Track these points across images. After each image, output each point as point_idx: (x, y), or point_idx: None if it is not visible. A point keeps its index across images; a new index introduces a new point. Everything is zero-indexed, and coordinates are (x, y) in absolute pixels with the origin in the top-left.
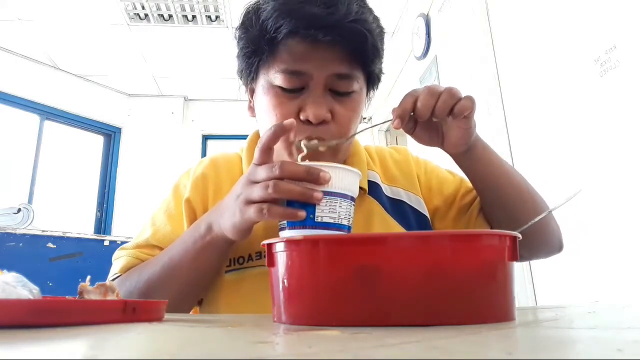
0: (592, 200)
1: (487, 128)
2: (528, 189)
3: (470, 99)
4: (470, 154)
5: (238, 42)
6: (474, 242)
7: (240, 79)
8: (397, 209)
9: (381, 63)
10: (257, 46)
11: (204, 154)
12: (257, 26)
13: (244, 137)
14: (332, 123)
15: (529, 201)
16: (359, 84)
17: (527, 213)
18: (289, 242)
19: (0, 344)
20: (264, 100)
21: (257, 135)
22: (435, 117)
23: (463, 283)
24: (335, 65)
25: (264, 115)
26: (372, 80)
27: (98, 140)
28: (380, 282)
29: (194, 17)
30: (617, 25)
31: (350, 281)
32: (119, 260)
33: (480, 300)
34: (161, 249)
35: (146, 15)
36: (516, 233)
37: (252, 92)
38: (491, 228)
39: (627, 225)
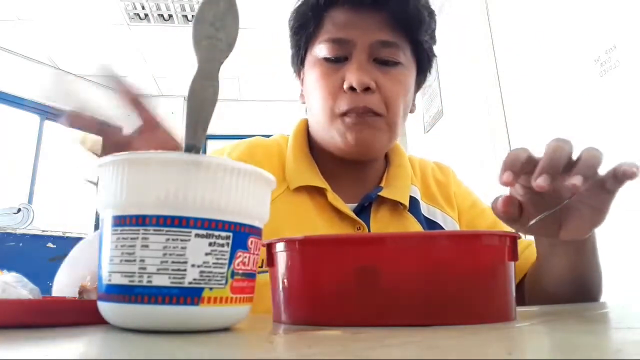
0: None
1: (487, 128)
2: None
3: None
4: (578, 244)
5: (290, 23)
6: (474, 242)
7: (293, 67)
8: (431, 230)
9: (432, 40)
10: (304, 19)
11: (204, 154)
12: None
13: (244, 137)
14: (377, 93)
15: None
16: (405, 56)
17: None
18: (289, 242)
19: (0, 344)
20: (310, 76)
21: (304, 123)
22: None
23: (463, 283)
24: (379, 32)
25: (311, 91)
26: (421, 57)
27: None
28: (381, 282)
29: (194, 17)
30: (617, 26)
31: (351, 281)
32: None
33: (480, 300)
34: None
35: (146, 15)
36: (516, 233)
37: (302, 79)
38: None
39: (627, 225)
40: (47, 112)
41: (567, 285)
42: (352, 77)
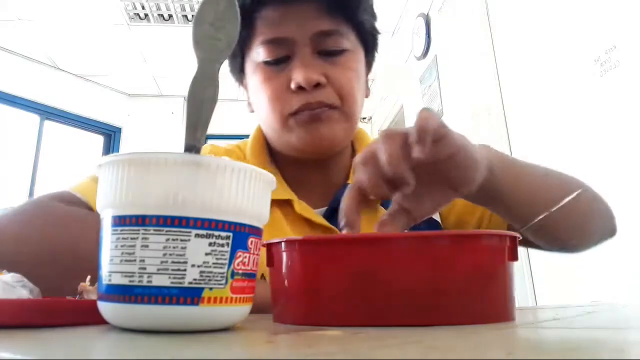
0: None
1: (487, 128)
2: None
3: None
4: (485, 190)
5: None
6: (474, 242)
7: (234, 77)
8: None
9: (372, 17)
10: None
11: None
12: None
13: (244, 136)
14: (328, 87)
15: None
16: (350, 41)
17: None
18: (289, 242)
19: (0, 344)
20: (253, 82)
21: (259, 128)
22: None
23: (463, 283)
24: (317, 22)
25: (256, 97)
26: (366, 38)
27: (98, 140)
28: (381, 282)
29: (194, 17)
30: (617, 25)
31: (351, 281)
32: None
33: (480, 300)
34: None
35: (146, 15)
36: (516, 233)
37: (246, 87)
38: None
39: (627, 225)
40: (47, 112)
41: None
42: (298, 75)
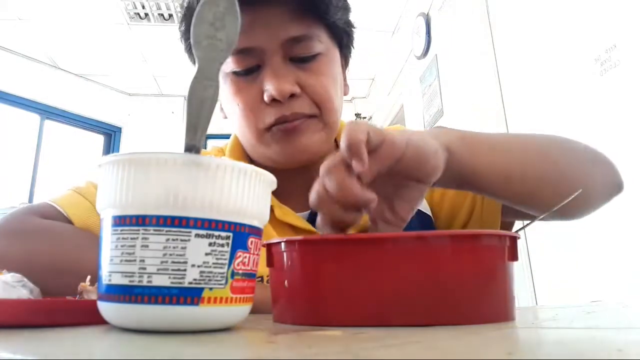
0: None
1: (487, 127)
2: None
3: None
4: (450, 174)
5: (183, 40)
6: (474, 242)
7: None
8: None
9: (345, 12)
10: None
11: None
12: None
13: None
14: (303, 95)
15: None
16: (323, 44)
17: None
18: (289, 242)
19: (0, 344)
20: (224, 91)
21: (236, 137)
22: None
23: (463, 283)
24: (286, 28)
25: (229, 108)
26: (339, 35)
27: (98, 140)
28: (381, 282)
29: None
30: (618, 25)
31: (351, 281)
32: None
33: (480, 300)
34: None
35: (146, 14)
36: (516, 233)
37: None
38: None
39: (627, 225)
40: (47, 112)
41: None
42: (270, 87)
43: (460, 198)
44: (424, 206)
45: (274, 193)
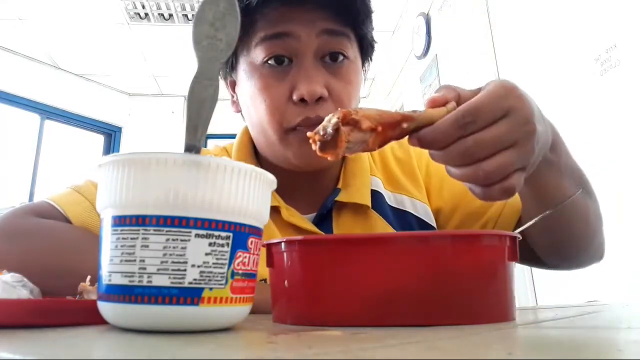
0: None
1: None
2: (591, 221)
3: (503, 194)
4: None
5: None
6: (474, 242)
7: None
8: (402, 220)
9: (372, 28)
10: None
11: None
12: None
13: None
14: (329, 100)
15: (587, 236)
16: (352, 49)
17: (580, 246)
18: (289, 242)
19: (0, 344)
20: (248, 86)
21: (246, 132)
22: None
23: (463, 283)
24: (325, 20)
25: (251, 103)
26: (365, 48)
27: (98, 140)
28: (381, 283)
29: (194, 17)
30: (618, 24)
31: (351, 281)
32: None
33: (480, 300)
34: None
35: (146, 14)
36: (516, 233)
37: (232, 85)
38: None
39: (627, 225)
40: (47, 112)
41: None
42: (302, 87)
43: (474, 216)
44: (429, 216)
45: (281, 194)
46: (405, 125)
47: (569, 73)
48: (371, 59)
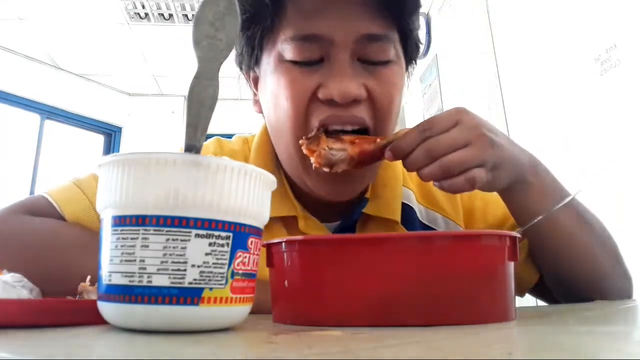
0: (591, 199)
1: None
2: (596, 250)
3: (466, 182)
4: (511, 195)
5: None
6: (474, 242)
7: (240, 67)
8: None
9: (419, 25)
10: (256, 10)
11: None
12: None
13: None
14: (367, 102)
15: (593, 263)
16: (395, 50)
17: (586, 276)
18: (289, 242)
19: (0, 344)
20: (272, 81)
21: (265, 132)
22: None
23: (463, 283)
24: (365, 22)
25: (273, 100)
26: (411, 47)
27: (98, 140)
28: (381, 282)
29: (194, 17)
30: (618, 24)
31: (351, 281)
32: None
33: (480, 300)
34: None
35: (146, 14)
36: (515, 233)
37: (255, 81)
38: (541, 273)
39: (627, 225)
40: (47, 112)
41: (537, 249)
42: (332, 86)
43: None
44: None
45: (303, 201)
46: (378, 140)
47: (569, 73)
48: (415, 62)
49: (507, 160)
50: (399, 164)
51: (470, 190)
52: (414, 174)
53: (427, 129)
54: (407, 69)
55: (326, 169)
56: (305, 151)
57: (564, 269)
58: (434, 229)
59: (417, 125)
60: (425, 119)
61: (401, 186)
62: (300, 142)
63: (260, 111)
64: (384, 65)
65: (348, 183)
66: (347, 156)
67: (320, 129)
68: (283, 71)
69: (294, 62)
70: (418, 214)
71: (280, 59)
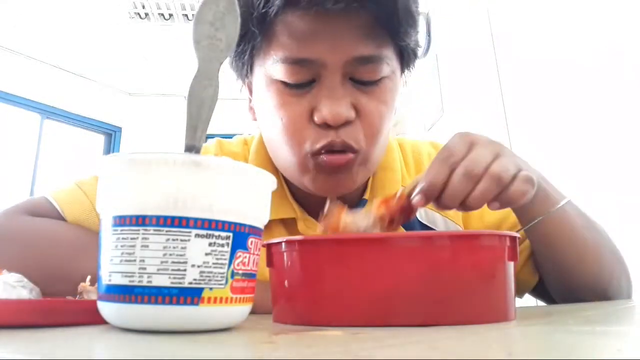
0: (591, 199)
1: (487, 128)
2: (595, 256)
3: (526, 183)
4: (525, 211)
5: None
6: (474, 242)
7: (235, 73)
8: None
9: (417, 33)
10: (246, 28)
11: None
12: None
13: None
14: (357, 122)
15: (593, 266)
16: (389, 67)
17: (587, 279)
18: (289, 242)
19: (0, 344)
20: (264, 99)
21: (261, 141)
22: (466, 209)
23: (463, 283)
24: (356, 45)
25: (267, 118)
26: (407, 58)
27: (99, 140)
28: (381, 283)
29: (194, 17)
30: (618, 25)
31: (351, 281)
32: None
33: (480, 300)
34: None
35: (147, 14)
36: (515, 233)
37: (250, 87)
38: (543, 279)
39: (627, 225)
40: (47, 112)
41: (541, 258)
42: (325, 109)
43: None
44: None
45: (301, 203)
46: (398, 193)
47: (569, 73)
48: (414, 66)
49: (526, 165)
50: (396, 164)
51: (531, 192)
52: (414, 168)
53: (449, 156)
54: (402, 74)
55: None
56: (323, 231)
57: (570, 268)
58: (433, 229)
59: (435, 159)
60: (424, 117)
61: (400, 187)
62: (319, 229)
63: (255, 119)
64: (375, 85)
65: (344, 174)
66: (375, 217)
67: (334, 202)
68: (275, 92)
69: (285, 84)
70: (417, 214)
71: (272, 78)
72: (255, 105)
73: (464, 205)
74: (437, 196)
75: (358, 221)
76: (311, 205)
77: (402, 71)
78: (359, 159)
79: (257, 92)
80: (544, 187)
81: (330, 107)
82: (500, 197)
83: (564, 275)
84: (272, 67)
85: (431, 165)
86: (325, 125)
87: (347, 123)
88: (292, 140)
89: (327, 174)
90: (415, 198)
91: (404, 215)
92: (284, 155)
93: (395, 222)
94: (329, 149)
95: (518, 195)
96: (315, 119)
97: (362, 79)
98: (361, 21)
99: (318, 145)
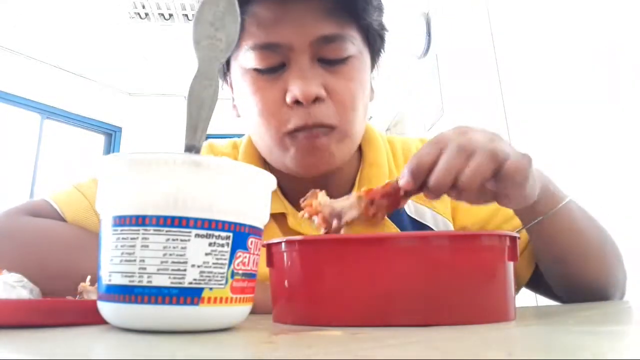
0: (591, 199)
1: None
2: (598, 253)
3: (523, 158)
4: (531, 211)
5: None
6: (474, 242)
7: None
8: None
9: (380, 13)
10: None
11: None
12: None
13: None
14: (328, 101)
15: (595, 263)
16: (355, 46)
17: (588, 276)
18: (289, 242)
19: (0, 344)
20: (241, 89)
21: (249, 143)
22: (459, 193)
23: (463, 283)
24: (319, 25)
25: (246, 106)
26: (373, 38)
27: (99, 140)
28: (380, 282)
29: (194, 17)
30: (618, 25)
31: (351, 281)
32: None
33: (480, 300)
34: None
35: (147, 14)
36: (515, 233)
37: (231, 85)
38: (540, 271)
39: (628, 225)
40: (47, 112)
41: (542, 256)
42: (295, 88)
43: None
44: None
45: (290, 199)
46: (387, 179)
47: (570, 73)
48: (383, 50)
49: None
50: (383, 160)
51: (528, 169)
52: (403, 164)
53: (440, 140)
54: (374, 59)
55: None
56: (307, 215)
57: (574, 266)
58: (423, 224)
59: (425, 144)
60: (424, 117)
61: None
62: (300, 214)
63: (239, 116)
64: (342, 63)
65: (322, 148)
66: (354, 199)
67: (313, 191)
68: (249, 80)
69: (258, 70)
70: (406, 208)
71: (245, 67)
72: (237, 100)
73: (456, 187)
74: (425, 178)
75: (335, 202)
76: (299, 200)
77: (373, 55)
78: (335, 135)
79: (235, 85)
80: (547, 186)
81: (300, 86)
82: (496, 174)
83: (568, 273)
84: (244, 56)
85: (420, 149)
86: (298, 105)
87: (318, 101)
88: (269, 123)
89: (306, 151)
90: (402, 180)
91: (390, 203)
92: (264, 139)
93: (377, 206)
94: (303, 128)
95: (514, 171)
96: (287, 99)
97: (329, 58)
98: (322, 4)
99: (291, 126)
